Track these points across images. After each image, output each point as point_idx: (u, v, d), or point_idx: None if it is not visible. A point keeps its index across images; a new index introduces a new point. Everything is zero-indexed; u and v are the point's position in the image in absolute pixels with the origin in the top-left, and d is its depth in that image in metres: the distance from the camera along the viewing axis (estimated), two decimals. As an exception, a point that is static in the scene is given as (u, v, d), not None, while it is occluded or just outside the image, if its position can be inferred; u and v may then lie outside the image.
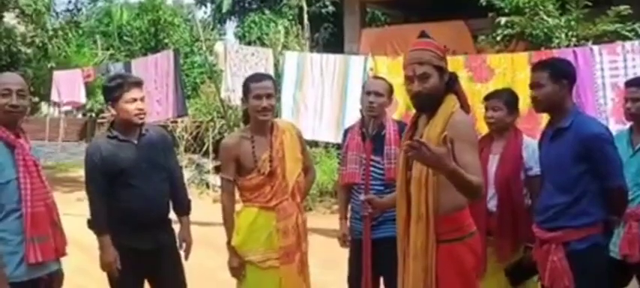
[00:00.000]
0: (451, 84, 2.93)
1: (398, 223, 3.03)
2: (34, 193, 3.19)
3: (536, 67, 3.46)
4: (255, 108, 3.60)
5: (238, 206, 3.73)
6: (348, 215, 4.25)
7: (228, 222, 3.69)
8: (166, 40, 18.11)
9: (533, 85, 3.40)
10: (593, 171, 3.22)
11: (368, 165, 3.96)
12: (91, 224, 3.65)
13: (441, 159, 2.55)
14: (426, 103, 2.91)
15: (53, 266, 3.32)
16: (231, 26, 21.43)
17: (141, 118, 3.69)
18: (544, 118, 5.90)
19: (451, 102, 2.90)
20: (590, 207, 3.23)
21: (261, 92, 3.59)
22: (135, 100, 3.65)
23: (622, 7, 8.00)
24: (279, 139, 3.67)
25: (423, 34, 2.97)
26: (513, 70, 6.91)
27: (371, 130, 4.03)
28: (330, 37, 16.47)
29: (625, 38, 7.61)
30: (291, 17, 16.71)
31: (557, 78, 3.33)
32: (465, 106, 2.94)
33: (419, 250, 2.86)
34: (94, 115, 21.14)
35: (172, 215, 3.94)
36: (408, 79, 2.91)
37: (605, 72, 6.55)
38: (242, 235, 3.62)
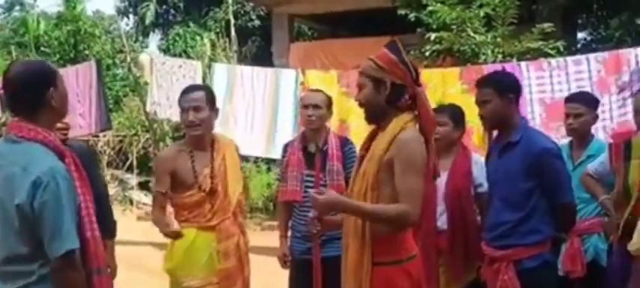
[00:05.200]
0: (394, 100, 2.73)
1: (343, 240, 2.89)
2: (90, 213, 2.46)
3: (481, 84, 3.36)
4: (183, 122, 3.46)
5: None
6: (289, 234, 4.10)
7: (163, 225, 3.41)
8: (87, 52, 17.41)
9: (479, 102, 3.32)
10: (542, 186, 3.19)
11: (317, 181, 3.77)
12: None
13: (330, 204, 2.68)
14: (367, 114, 2.83)
15: None
16: (154, 39, 20.93)
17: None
18: (476, 133, 5.90)
19: (404, 120, 2.74)
20: (540, 224, 3.20)
21: (186, 105, 3.44)
22: None
23: (546, 25, 8.25)
24: (221, 155, 3.50)
25: (390, 42, 2.81)
26: (444, 84, 6.96)
27: (320, 145, 3.89)
28: (257, 50, 16.32)
29: (548, 55, 7.83)
30: (217, 30, 16.44)
31: (503, 92, 3.27)
32: (425, 129, 2.74)
33: (353, 268, 2.76)
34: (7, 129, 20.14)
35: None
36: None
37: (533, 88, 6.67)
38: (178, 259, 3.40)
